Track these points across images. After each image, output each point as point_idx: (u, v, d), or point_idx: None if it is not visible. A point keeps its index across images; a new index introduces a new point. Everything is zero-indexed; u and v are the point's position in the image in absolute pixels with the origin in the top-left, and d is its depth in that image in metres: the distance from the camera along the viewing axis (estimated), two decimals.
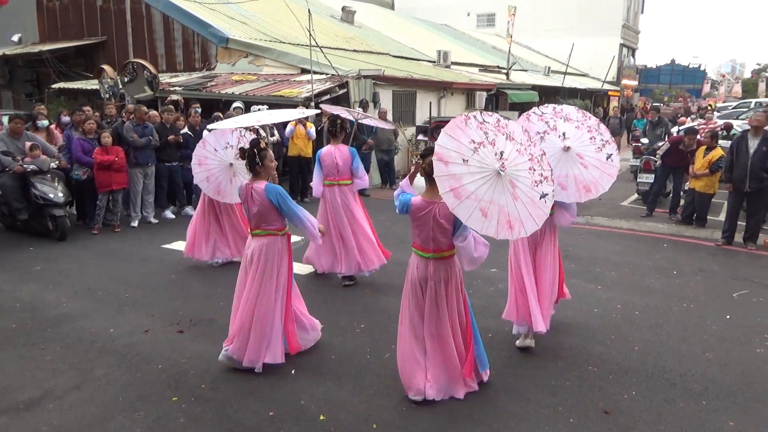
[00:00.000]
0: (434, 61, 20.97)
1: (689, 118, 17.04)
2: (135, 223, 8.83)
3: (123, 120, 9.29)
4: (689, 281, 6.55)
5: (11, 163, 7.75)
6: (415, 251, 3.91)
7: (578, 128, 4.55)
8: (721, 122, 13.48)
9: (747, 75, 56.60)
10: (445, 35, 29.57)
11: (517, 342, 4.76)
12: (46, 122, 8.91)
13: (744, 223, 8.10)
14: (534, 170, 3.51)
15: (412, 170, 4.10)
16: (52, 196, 7.80)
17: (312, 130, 10.62)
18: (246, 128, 6.21)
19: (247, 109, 10.69)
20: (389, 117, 12.90)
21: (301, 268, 6.48)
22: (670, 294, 6.12)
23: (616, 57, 33.43)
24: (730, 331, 5.17)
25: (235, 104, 10.84)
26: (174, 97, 11.85)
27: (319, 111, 8.66)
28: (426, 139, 13.38)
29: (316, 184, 6.26)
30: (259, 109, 9.83)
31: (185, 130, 9.59)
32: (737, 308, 5.75)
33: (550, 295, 4.77)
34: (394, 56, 19.80)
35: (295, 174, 10.88)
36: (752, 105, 19.69)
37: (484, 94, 18.13)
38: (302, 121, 10.41)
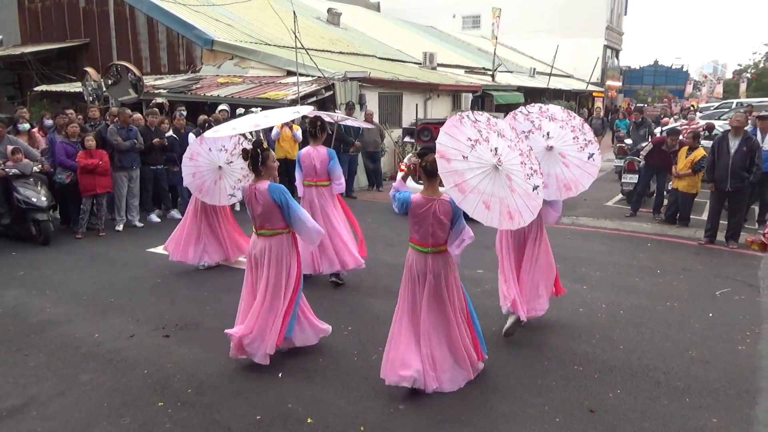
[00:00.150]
0: (420, 63, 21.04)
1: (672, 119, 17.24)
2: (120, 227, 8.75)
3: (107, 123, 9.20)
4: (673, 280, 6.63)
5: None
6: (413, 246, 4.04)
7: (562, 128, 4.71)
8: (703, 123, 13.66)
9: (729, 75, 57.42)
10: (430, 37, 29.68)
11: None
12: (27, 125, 8.80)
13: (726, 222, 8.22)
14: (525, 164, 3.71)
15: (407, 170, 4.21)
16: (35, 200, 7.71)
17: (298, 132, 10.59)
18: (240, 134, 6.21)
19: (232, 112, 10.66)
20: (375, 119, 12.90)
21: None
22: (654, 293, 6.19)
23: (600, 58, 33.76)
24: (713, 329, 5.24)
25: (221, 107, 10.78)
26: (159, 99, 11.77)
27: (313, 107, 8.66)
28: (413, 141, 13.40)
29: (298, 184, 6.33)
30: (253, 112, 9.80)
31: (170, 133, 9.52)
32: (720, 306, 5.83)
33: (531, 286, 4.95)
34: (380, 58, 19.84)
35: (282, 176, 10.82)
36: (734, 105, 19.95)
37: (470, 95, 18.24)
38: (288, 124, 10.38)
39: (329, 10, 23.25)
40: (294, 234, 4.51)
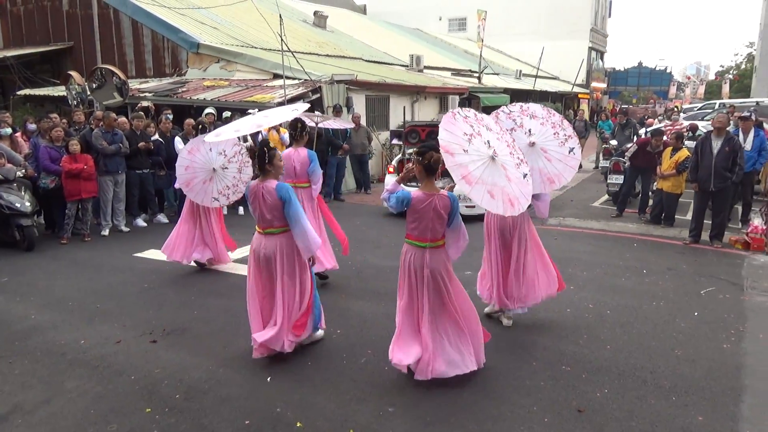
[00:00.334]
0: (407, 66, 21.08)
1: (656, 120, 17.42)
2: (106, 232, 8.67)
3: (91, 127, 9.13)
4: (658, 280, 6.70)
5: None
6: (411, 242, 4.20)
7: (543, 125, 4.94)
8: (686, 123, 13.82)
9: (712, 77, 58.18)
10: (417, 40, 29.77)
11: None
12: (9, 130, 8.67)
13: (710, 222, 8.32)
14: (513, 154, 4.00)
15: (403, 174, 4.33)
16: (18, 205, 7.62)
17: (286, 135, 10.54)
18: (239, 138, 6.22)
19: (218, 116, 10.61)
20: (363, 122, 12.91)
21: None
22: (641, 292, 6.25)
23: (585, 60, 34.07)
24: (698, 328, 5.30)
25: (207, 110, 10.73)
26: (145, 103, 11.69)
27: (309, 106, 8.67)
28: (400, 143, 13.41)
29: None
30: (251, 113, 9.75)
31: (156, 136, 9.46)
32: (705, 305, 5.89)
33: (515, 281, 5.15)
34: (367, 61, 19.86)
35: None
36: (717, 106, 20.20)
37: (457, 97, 18.31)
38: (276, 127, 10.35)
39: (315, 13, 23.24)
40: None
